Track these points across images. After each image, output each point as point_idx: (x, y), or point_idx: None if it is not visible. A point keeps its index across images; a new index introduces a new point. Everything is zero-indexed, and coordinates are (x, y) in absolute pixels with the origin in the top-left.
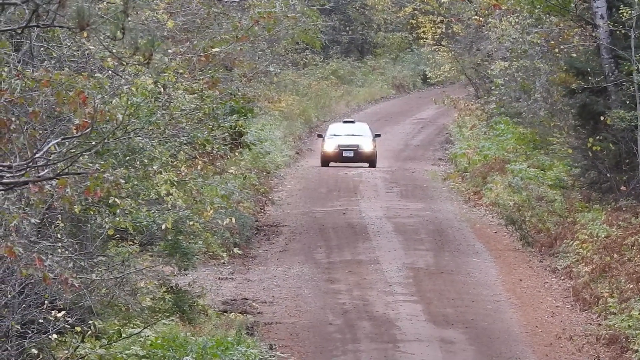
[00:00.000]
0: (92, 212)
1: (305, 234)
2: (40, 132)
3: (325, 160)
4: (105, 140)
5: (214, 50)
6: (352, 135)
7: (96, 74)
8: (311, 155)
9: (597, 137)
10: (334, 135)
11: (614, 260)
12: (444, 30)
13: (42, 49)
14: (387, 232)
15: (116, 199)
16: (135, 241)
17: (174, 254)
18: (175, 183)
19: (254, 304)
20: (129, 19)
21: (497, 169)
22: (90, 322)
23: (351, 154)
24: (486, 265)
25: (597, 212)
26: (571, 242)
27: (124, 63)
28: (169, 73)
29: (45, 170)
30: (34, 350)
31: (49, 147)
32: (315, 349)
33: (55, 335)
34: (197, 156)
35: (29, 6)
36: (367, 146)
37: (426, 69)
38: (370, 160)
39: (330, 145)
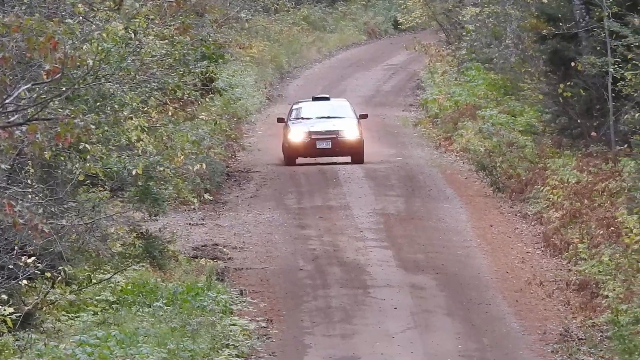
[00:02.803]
0: (62, 158)
1: (276, 180)
2: (11, 77)
3: (292, 155)
4: (76, 86)
5: None
6: (328, 117)
7: (67, 19)
8: (283, 101)
9: (568, 83)
10: (302, 118)
11: (584, 206)
12: None
13: None
14: (358, 178)
15: (86, 145)
16: (105, 187)
17: (144, 199)
18: (146, 129)
19: (225, 249)
20: None
21: (468, 114)
22: (60, 267)
23: (328, 145)
24: (457, 211)
25: (568, 158)
26: (542, 187)
27: (95, 9)
28: (140, 19)
29: (15, 116)
30: (4, 296)
31: (19, 93)
32: (286, 295)
33: (25, 281)
34: (168, 102)
35: None
36: (350, 132)
37: (397, 15)
38: (355, 152)
39: (297, 134)
